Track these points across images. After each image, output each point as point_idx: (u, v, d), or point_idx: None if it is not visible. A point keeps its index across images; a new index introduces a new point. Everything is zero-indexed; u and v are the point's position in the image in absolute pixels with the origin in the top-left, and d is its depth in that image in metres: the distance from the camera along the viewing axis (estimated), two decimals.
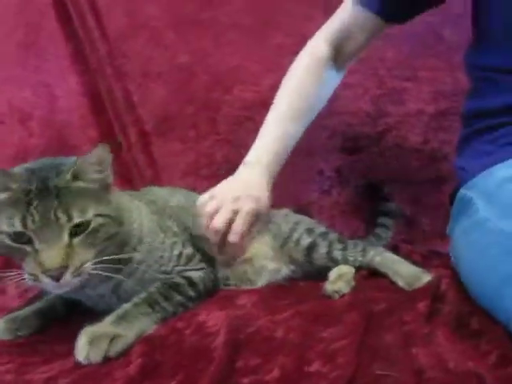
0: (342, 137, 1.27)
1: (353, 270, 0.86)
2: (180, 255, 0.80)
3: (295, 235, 0.93)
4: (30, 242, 0.62)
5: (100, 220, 0.66)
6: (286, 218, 1.00)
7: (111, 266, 0.67)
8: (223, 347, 0.56)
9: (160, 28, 1.29)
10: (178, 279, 0.77)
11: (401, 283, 0.81)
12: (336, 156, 1.26)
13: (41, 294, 0.85)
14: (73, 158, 0.70)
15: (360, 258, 0.89)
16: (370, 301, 0.70)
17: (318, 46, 0.99)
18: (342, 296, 0.77)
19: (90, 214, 0.64)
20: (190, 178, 1.26)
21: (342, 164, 1.26)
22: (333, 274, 0.86)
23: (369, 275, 0.88)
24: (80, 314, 0.78)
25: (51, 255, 0.61)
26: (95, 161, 0.67)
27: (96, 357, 0.58)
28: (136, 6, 1.29)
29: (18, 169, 0.68)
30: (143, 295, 0.71)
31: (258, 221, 0.88)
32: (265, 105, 1.26)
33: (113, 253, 0.68)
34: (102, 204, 0.67)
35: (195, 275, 0.79)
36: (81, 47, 1.22)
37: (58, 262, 0.61)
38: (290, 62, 1.30)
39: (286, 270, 0.92)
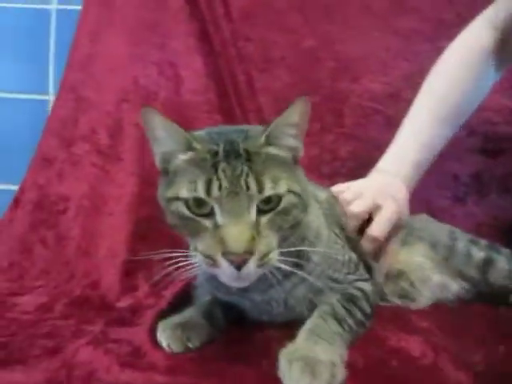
0: (482, 137, 1.12)
1: None
2: (350, 261, 0.68)
3: (460, 245, 0.80)
4: (210, 214, 0.51)
5: (292, 198, 0.53)
6: (436, 225, 0.87)
7: (294, 260, 0.55)
8: None
9: (284, 10, 1.19)
10: (353, 290, 0.65)
11: None
12: (474, 159, 1.12)
13: (183, 291, 0.75)
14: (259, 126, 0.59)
15: None
16: None
17: (478, 35, 0.86)
18: None
19: (283, 188, 0.52)
20: (313, 174, 1.13)
21: (481, 168, 1.12)
22: None
23: None
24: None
25: (237, 233, 0.49)
26: (293, 122, 0.55)
27: None
28: None
29: (199, 131, 0.58)
30: (325, 308, 0.60)
31: (399, 229, 0.79)
32: (395, 97, 1.17)
33: (294, 245, 0.56)
34: (293, 179, 0.55)
35: (366, 287, 0.67)
36: (205, 27, 1.14)
37: (243, 245, 0.49)
38: (425, 50, 1.20)
39: (455, 287, 0.78)
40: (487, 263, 0.77)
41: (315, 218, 0.64)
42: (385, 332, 0.63)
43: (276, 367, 0.50)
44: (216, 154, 0.52)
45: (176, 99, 1.08)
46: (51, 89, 1.28)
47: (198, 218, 0.52)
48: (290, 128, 0.55)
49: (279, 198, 0.52)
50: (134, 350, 0.57)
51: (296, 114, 0.54)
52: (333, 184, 1.10)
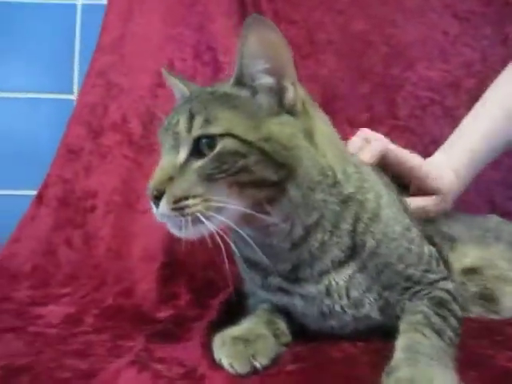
0: None
1: None
2: (430, 256, 0.59)
3: None
4: None
5: (231, 143, 0.48)
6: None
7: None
8: None
9: None
10: (439, 293, 0.56)
11: None
12: None
13: (232, 300, 0.65)
14: None
15: None
16: None
17: None
18: None
19: (216, 129, 0.48)
20: None
21: None
22: None
23: None
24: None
25: (157, 170, 0.50)
26: (257, 53, 0.49)
27: None
28: None
29: None
30: (417, 318, 0.51)
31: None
32: (454, 86, 1.09)
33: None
34: (249, 124, 0.49)
35: (450, 286, 0.58)
36: (246, 8, 1.08)
37: (155, 182, 0.48)
38: (489, 35, 1.11)
39: None
40: None
41: (373, 198, 0.56)
42: (485, 349, 0.52)
43: None
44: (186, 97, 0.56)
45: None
46: (76, 88, 1.24)
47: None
48: (257, 62, 0.50)
49: (215, 142, 0.48)
50: (188, 372, 0.46)
51: (253, 41, 0.48)
52: None
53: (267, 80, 0.50)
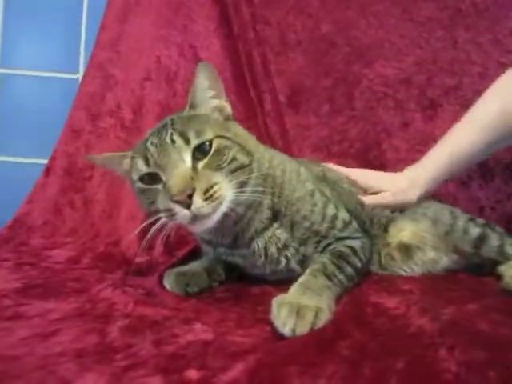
0: None
1: None
2: (335, 217, 0.75)
3: (460, 224, 0.85)
4: (159, 180, 0.62)
5: (222, 141, 0.64)
6: (438, 205, 0.93)
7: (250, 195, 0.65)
8: (438, 334, 0.50)
9: None
10: (342, 248, 0.72)
11: None
12: None
13: (193, 252, 0.85)
14: None
15: None
16: None
17: None
18: None
19: (208, 136, 0.63)
20: (321, 153, 1.20)
21: None
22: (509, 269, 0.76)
23: None
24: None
25: (176, 179, 0.59)
26: (205, 86, 0.67)
27: (303, 329, 0.53)
28: None
29: None
30: (317, 266, 0.67)
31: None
32: (407, 83, 1.20)
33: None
34: (223, 128, 0.66)
35: (355, 244, 0.74)
36: (226, 10, 1.19)
37: (182, 185, 0.58)
38: (439, 37, 1.22)
39: (446, 260, 0.85)
40: (481, 239, 0.83)
41: (280, 174, 0.74)
42: (369, 291, 0.70)
43: (269, 313, 0.57)
44: (148, 137, 0.65)
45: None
46: (81, 68, 1.36)
47: (151, 187, 0.63)
48: (205, 92, 0.68)
49: (209, 143, 0.62)
50: (147, 292, 0.68)
51: (203, 78, 0.67)
52: (341, 162, 1.16)
53: (215, 102, 0.69)
